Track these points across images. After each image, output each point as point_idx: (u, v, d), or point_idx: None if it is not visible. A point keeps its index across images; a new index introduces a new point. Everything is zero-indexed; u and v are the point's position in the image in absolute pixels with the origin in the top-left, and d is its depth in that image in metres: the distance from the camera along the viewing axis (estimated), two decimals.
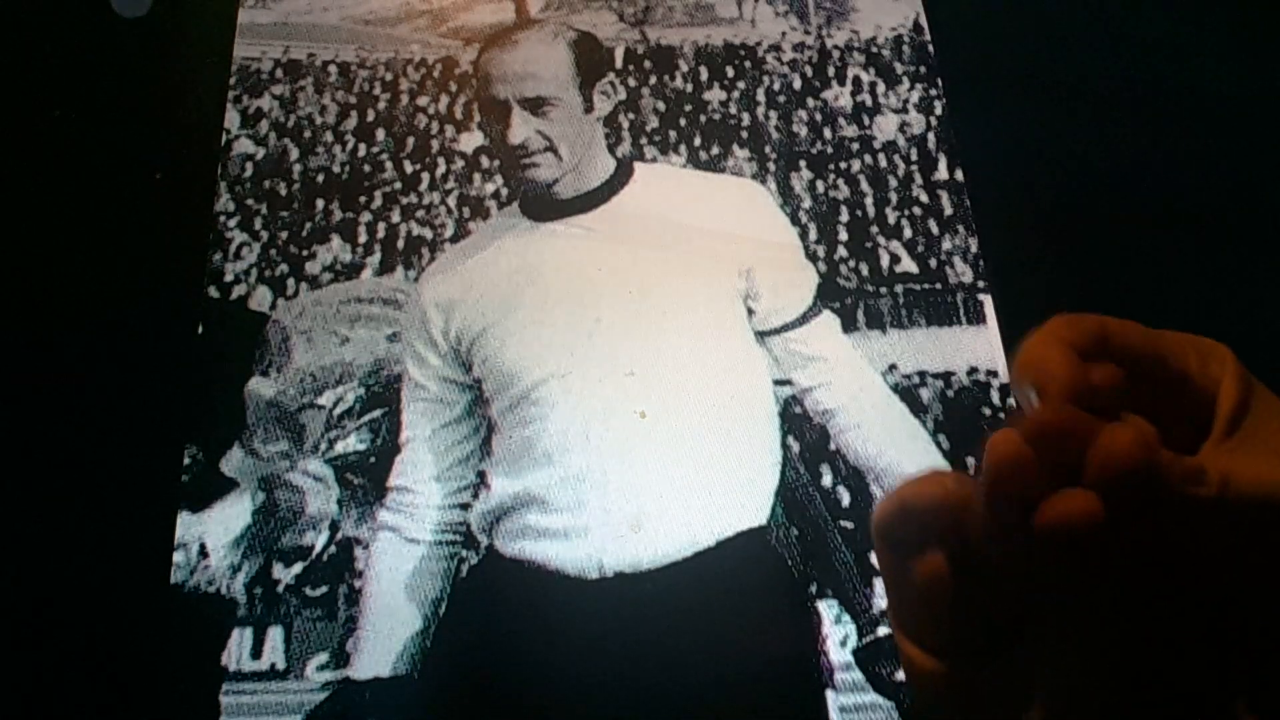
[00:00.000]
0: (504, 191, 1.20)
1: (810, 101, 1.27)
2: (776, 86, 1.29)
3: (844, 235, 1.17)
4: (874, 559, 0.99)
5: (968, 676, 0.32)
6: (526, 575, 0.99)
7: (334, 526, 1.04)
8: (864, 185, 1.21)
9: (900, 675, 0.94)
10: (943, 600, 0.31)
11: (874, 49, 1.31)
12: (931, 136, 1.23)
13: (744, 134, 1.25)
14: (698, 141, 1.24)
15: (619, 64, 1.29)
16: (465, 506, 1.04)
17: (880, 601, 0.98)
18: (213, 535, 1.02)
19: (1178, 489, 0.28)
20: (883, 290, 1.14)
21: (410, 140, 1.25)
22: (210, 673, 0.96)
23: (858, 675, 0.95)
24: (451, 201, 1.20)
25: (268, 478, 1.06)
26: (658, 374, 1.04)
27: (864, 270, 1.15)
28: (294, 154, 1.25)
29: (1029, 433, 0.27)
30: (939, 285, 1.15)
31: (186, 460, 1.05)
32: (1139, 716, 0.30)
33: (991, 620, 0.31)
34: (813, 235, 1.16)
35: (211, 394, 1.08)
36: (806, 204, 1.19)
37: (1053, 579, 0.29)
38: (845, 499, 1.03)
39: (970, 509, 0.30)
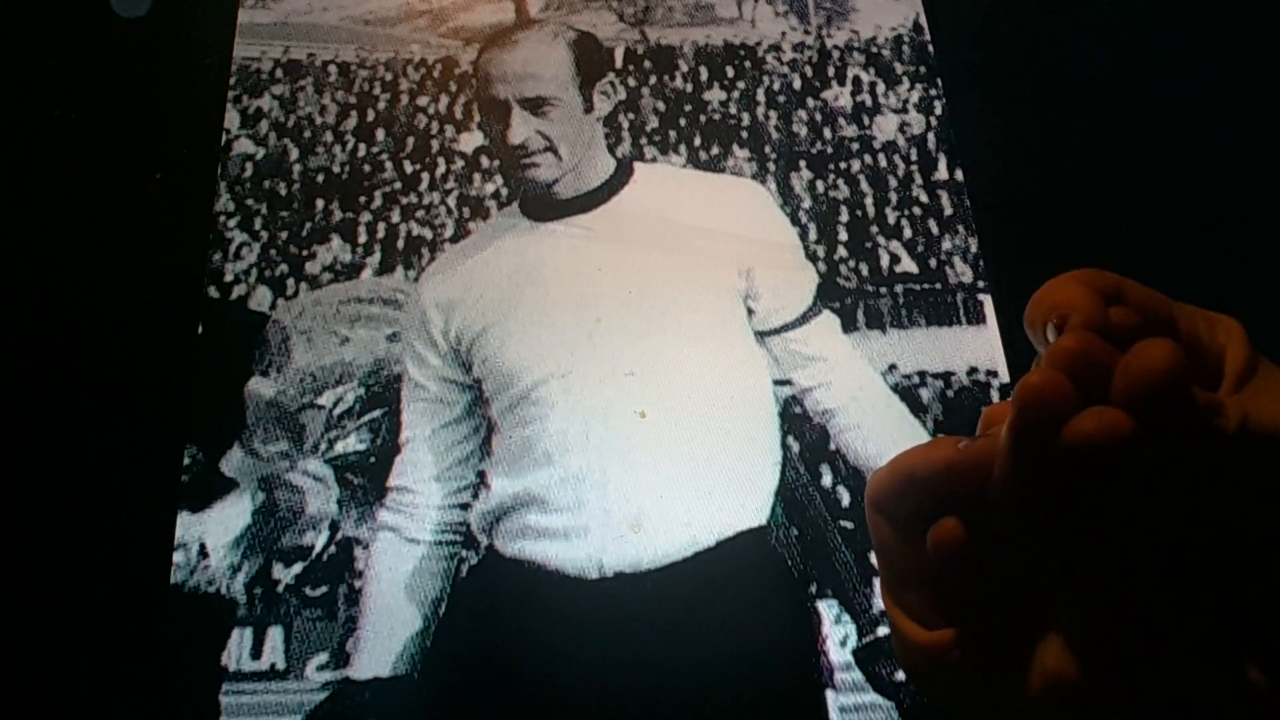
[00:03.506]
0: (504, 191, 1.20)
1: (810, 101, 1.27)
2: (776, 86, 1.29)
3: (844, 235, 1.17)
4: (874, 559, 0.99)
5: (971, 644, 0.32)
6: (526, 575, 0.99)
7: (334, 526, 1.04)
8: (864, 185, 1.20)
9: (901, 675, 0.94)
10: (956, 567, 0.30)
11: (874, 49, 1.30)
12: (931, 136, 1.23)
13: (744, 134, 1.25)
14: (698, 141, 1.24)
15: (619, 64, 1.29)
16: (465, 506, 1.04)
17: (880, 601, 0.97)
18: (213, 535, 1.02)
19: (1202, 416, 0.28)
20: (883, 290, 1.14)
21: (410, 140, 1.25)
22: (210, 673, 0.96)
23: (858, 675, 0.95)
24: (451, 201, 1.20)
25: (268, 478, 1.06)
26: (658, 374, 1.04)
27: (864, 270, 1.15)
28: (294, 154, 1.25)
29: (1057, 360, 0.27)
30: (939, 285, 1.15)
31: (186, 460, 1.05)
32: (1154, 664, 0.30)
33: (1001, 581, 0.31)
34: (813, 235, 1.16)
35: (211, 394, 1.08)
36: (806, 204, 1.19)
37: (1076, 510, 0.28)
38: (845, 499, 1.03)
39: (983, 465, 0.30)
